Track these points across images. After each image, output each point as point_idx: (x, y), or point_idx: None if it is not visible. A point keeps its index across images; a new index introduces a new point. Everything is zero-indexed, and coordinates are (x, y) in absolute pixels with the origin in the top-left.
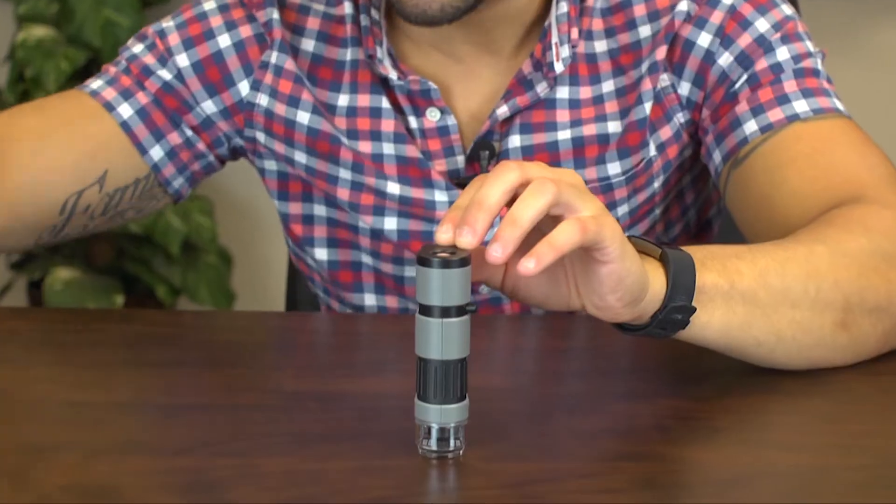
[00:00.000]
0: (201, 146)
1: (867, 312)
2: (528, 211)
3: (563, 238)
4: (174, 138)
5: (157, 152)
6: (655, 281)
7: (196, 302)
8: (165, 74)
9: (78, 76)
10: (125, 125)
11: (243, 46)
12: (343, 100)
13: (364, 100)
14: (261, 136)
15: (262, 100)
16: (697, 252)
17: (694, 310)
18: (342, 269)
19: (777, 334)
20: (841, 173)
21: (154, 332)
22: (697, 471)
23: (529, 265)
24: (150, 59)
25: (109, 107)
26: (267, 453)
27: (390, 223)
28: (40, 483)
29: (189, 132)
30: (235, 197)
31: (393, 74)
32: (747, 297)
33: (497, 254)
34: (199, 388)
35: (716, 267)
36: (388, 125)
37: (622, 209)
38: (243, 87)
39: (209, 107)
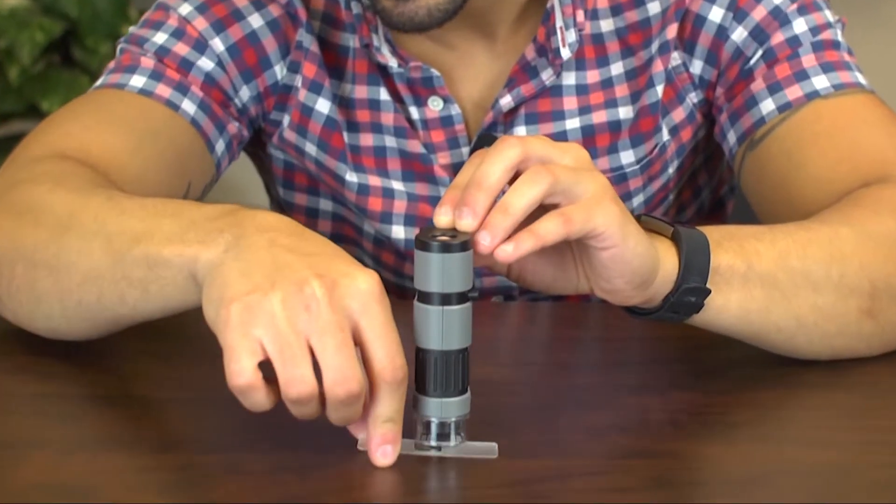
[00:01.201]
0: (244, 134)
1: (895, 299)
2: (521, 200)
3: (544, 230)
4: (231, 128)
5: (220, 146)
6: (667, 261)
7: None
8: (206, 64)
9: (54, 48)
10: (195, 122)
11: (279, 26)
12: (346, 89)
13: (362, 91)
14: (286, 121)
15: (299, 81)
16: (713, 232)
17: (708, 292)
18: None
19: (798, 320)
20: (866, 153)
21: None
22: (713, 469)
23: (508, 249)
24: (183, 49)
25: (173, 105)
26: (254, 450)
27: (397, 231)
28: (11, 482)
29: (236, 122)
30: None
31: (393, 62)
32: (766, 280)
33: (485, 242)
34: (182, 380)
35: (732, 247)
36: (387, 118)
37: (637, 199)
38: (279, 70)
39: (245, 93)
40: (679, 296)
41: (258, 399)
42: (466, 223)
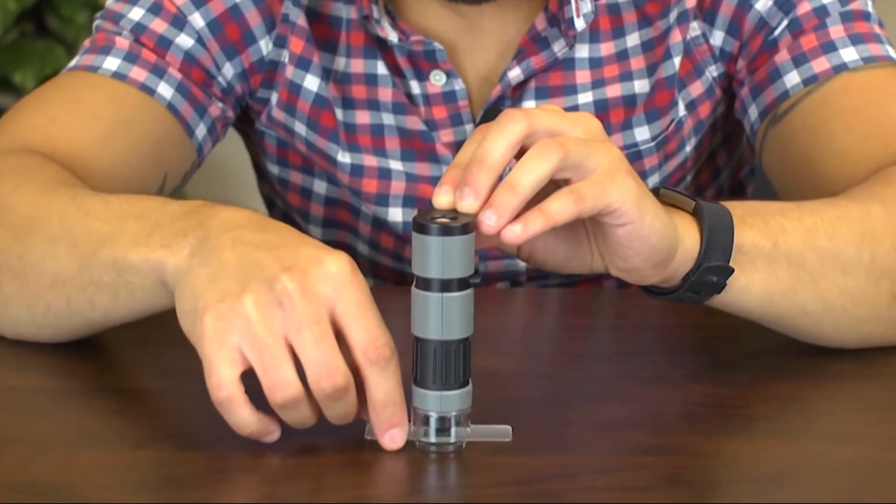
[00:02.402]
0: (230, 114)
1: None
2: (529, 176)
3: (555, 209)
4: (214, 111)
5: (201, 130)
6: (687, 238)
7: None
8: (185, 41)
9: (27, 17)
10: (172, 107)
11: None
12: (339, 63)
13: (358, 65)
14: (274, 99)
15: (286, 57)
16: (736, 207)
17: (731, 271)
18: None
19: (825, 303)
20: None
21: None
22: (733, 466)
23: (516, 230)
24: (161, 26)
25: (148, 90)
26: (240, 446)
27: (395, 214)
28: None
29: (220, 103)
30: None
31: (393, 36)
32: (793, 260)
33: (490, 222)
34: (164, 371)
35: (757, 224)
36: (385, 93)
37: (652, 179)
38: (264, 45)
39: (229, 71)
40: (700, 275)
41: (242, 415)
42: (468, 204)
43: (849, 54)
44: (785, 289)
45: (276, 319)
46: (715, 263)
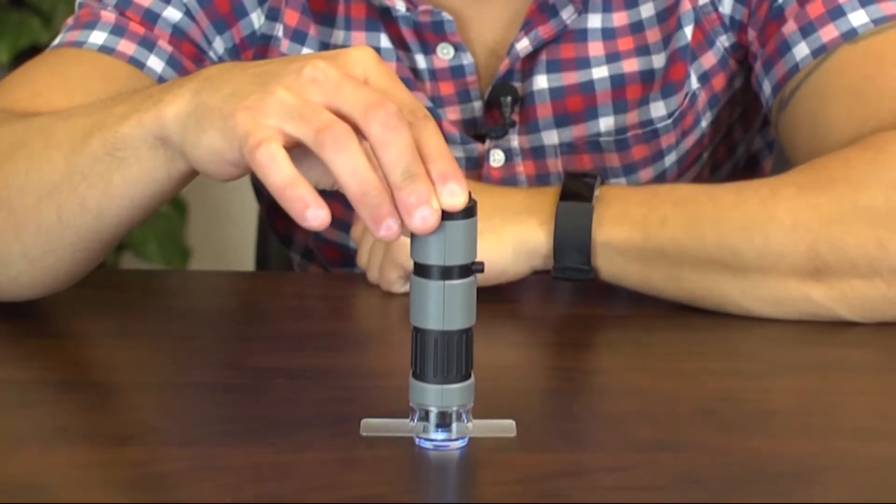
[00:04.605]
0: None
1: (849, 263)
2: None
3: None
4: None
5: None
6: (537, 241)
7: (143, 259)
8: (173, 14)
9: None
10: (163, 81)
11: None
12: (338, 37)
13: (359, 38)
14: None
15: (280, 31)
16: (635, 195)
17: (588, 271)
18: (326, 244)
19: (715, 290)
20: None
21: (91, 296)
22: (751, 463)
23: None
24: (146, 0)
25: (137, 63)
26: (227, 443)
27: None
28: None
29: None
30: None
31: (400, 5)
32: (668, 251)
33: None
34: (146, 363)
35: (636, 217)
36: None
37: (670, 159)
38: (256, 18)
39: (220, 46)
40: (559, 272)
41: (279, 159)
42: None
43: (858, 18)
44: (664, 276)
45: (312, 94)
46: (570, 264)
